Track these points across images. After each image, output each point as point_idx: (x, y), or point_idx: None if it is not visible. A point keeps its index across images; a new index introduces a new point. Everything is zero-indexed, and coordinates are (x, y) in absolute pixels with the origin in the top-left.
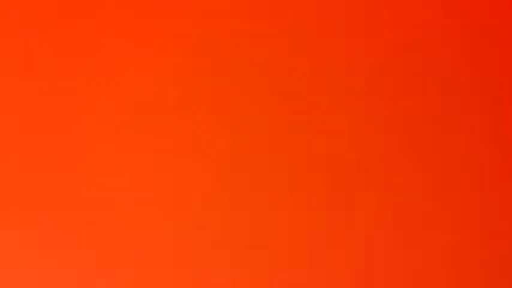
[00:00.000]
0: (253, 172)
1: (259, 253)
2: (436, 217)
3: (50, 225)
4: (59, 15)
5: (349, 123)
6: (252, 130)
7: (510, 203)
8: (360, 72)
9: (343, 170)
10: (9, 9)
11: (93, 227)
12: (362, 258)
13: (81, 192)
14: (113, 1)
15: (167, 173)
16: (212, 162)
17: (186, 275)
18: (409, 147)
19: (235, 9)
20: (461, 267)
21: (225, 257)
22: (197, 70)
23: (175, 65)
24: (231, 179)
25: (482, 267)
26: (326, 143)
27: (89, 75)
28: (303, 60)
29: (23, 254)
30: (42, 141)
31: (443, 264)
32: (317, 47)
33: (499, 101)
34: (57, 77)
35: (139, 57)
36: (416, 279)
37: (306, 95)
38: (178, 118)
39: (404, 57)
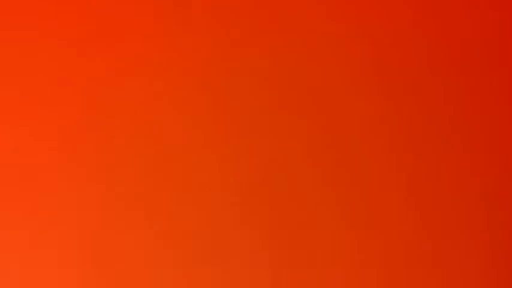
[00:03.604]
0: (254, 172)
1: (260, 254)
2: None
3: (50, 224)
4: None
5: (352, 123)
6: (253, 131)
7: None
8: (362, 74)
9: (346, 169)
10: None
11: (92, 228)
12: (363, 258)
13: (83, 190)
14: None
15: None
16: (215, 164)
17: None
18: (412, 146)
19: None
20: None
21: (228, 258)
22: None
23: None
24: (233, 178)
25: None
26: (327, 143)
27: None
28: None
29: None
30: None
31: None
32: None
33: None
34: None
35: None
36: (418, 279)
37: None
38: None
39: (407, 57)
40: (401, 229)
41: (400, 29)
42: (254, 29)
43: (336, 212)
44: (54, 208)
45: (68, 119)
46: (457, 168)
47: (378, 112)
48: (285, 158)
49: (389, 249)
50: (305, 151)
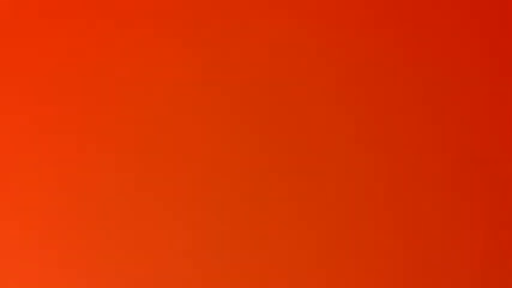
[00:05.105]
0: (255, 173)
1: (258, 255)
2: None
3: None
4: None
5: (351, 122)
6: (255, 130)
7: None
8: (363, 75)
9: (347, 170)
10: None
11: (97, 227)
12: (364, 259)
13: (84, 189)
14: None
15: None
16: (214, 163)
17: (186, 273)
18: (414, 144)
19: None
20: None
21: (228, 258)
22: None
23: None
24: (233, 179)
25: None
26: (328, 144)
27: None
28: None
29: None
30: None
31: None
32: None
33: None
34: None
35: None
36: (418, 279)
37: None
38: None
39: (408, 56)
40: (393, 231)
41: (389, 32)
42: (244, 30)
43: (325, 212)
44: (54, 207)
45: (70, 117)
46: (447, 171)
47: (367, 113)
48: (272, 158)
49: (382, 252)
50: (293, 152)
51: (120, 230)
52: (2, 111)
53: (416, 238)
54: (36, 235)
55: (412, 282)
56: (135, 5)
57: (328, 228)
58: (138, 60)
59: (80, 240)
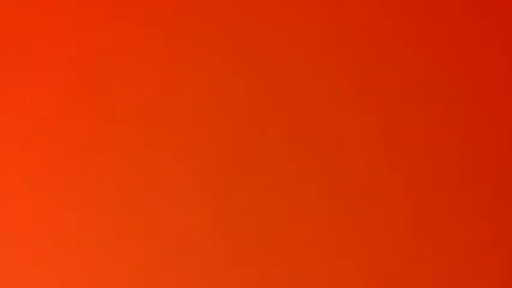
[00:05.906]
0: (257, 170)
1: (262, 253)
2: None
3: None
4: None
5: (355, 121)
6: (256, 128)
7: None
8: (366, 75)
9: (348, 168)
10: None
11: (99, 228)
12: (364, 258)
13: (88, 189)
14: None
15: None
16: (216, 161)
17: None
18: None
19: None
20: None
21: (228, 256)
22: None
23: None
24: (235, 178)
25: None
26: (330, 142)
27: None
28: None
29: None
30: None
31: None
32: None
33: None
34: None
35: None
36: (421, 280)
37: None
38: (179, 116)
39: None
40: (395, 231)
41: (392, 32)
42: (245, 31)
43: (321, 212)
44: (55, 207)
45: (71, 116)
46: (451, 166)
47: (368, 113)
48: (272, 158)
49: (378, 252)
50: (295, 152)
51: (121, 230)
52: (2, 111)
53: (422, 240)
54: (36, 235)
55: (413, 283)
56: (138, 5)
57: (331, 225)
58: (139, 61)
59: (79, 240)
